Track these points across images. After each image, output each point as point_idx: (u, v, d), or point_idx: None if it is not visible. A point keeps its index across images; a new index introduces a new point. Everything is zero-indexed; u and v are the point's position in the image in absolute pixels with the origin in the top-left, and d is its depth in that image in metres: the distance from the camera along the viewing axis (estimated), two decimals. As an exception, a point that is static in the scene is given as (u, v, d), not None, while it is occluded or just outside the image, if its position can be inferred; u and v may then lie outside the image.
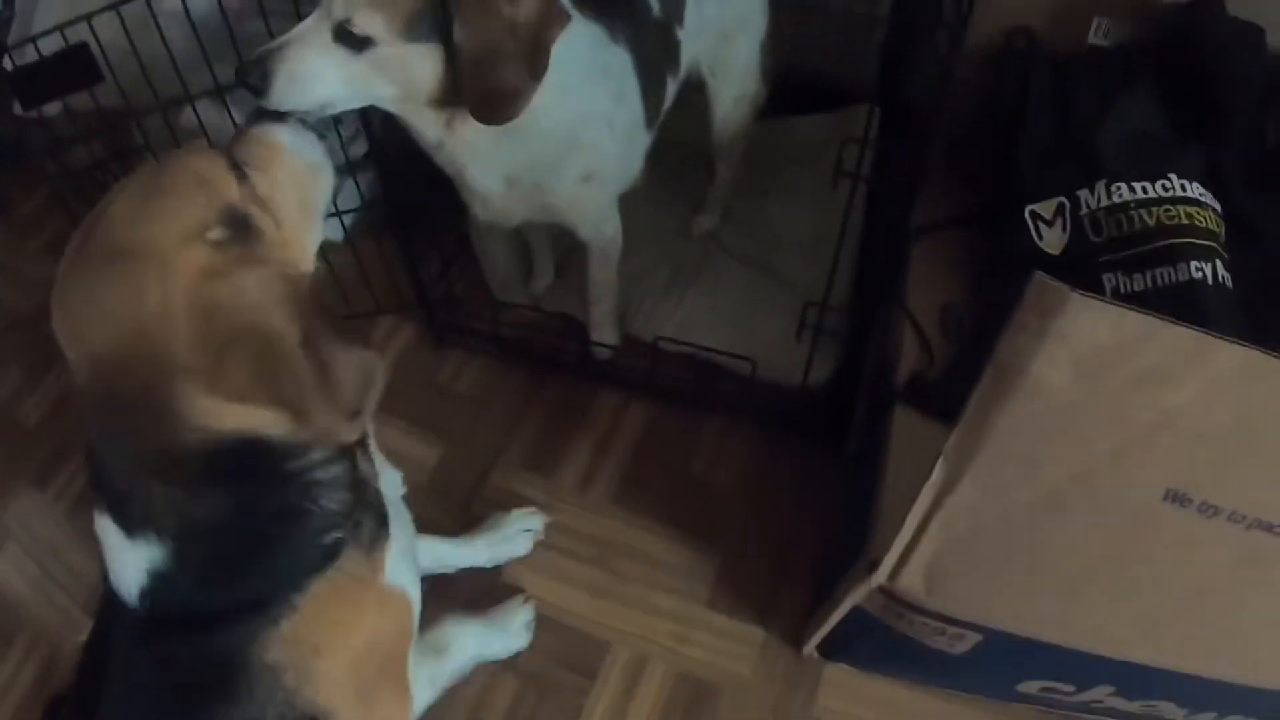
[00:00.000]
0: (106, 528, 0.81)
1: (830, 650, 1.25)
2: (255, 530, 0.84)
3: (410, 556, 1.04)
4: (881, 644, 1.10)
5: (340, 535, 0.88)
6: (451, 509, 1.50)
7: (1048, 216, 1.16)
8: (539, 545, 1.44)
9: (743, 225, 1.75)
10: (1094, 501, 0.77)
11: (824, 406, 1.47)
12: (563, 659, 1.34)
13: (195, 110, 1.57)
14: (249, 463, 0.78)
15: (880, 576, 0.93)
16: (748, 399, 1.54)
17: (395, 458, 1.13)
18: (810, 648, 1.26)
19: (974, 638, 0.99)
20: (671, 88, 1.43)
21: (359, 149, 1.73)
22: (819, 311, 1.32)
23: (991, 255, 1.25)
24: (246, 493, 0.81)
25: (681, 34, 1.39)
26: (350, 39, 1.00)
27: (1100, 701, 1.09)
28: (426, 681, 1.20)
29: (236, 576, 0.85)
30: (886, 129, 1.55)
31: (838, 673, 1.29)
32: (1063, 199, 1.16)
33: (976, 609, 0.94)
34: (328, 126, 1.66)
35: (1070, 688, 1.07)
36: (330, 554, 0.87)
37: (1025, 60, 1.27)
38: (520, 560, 1.43)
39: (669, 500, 1.51)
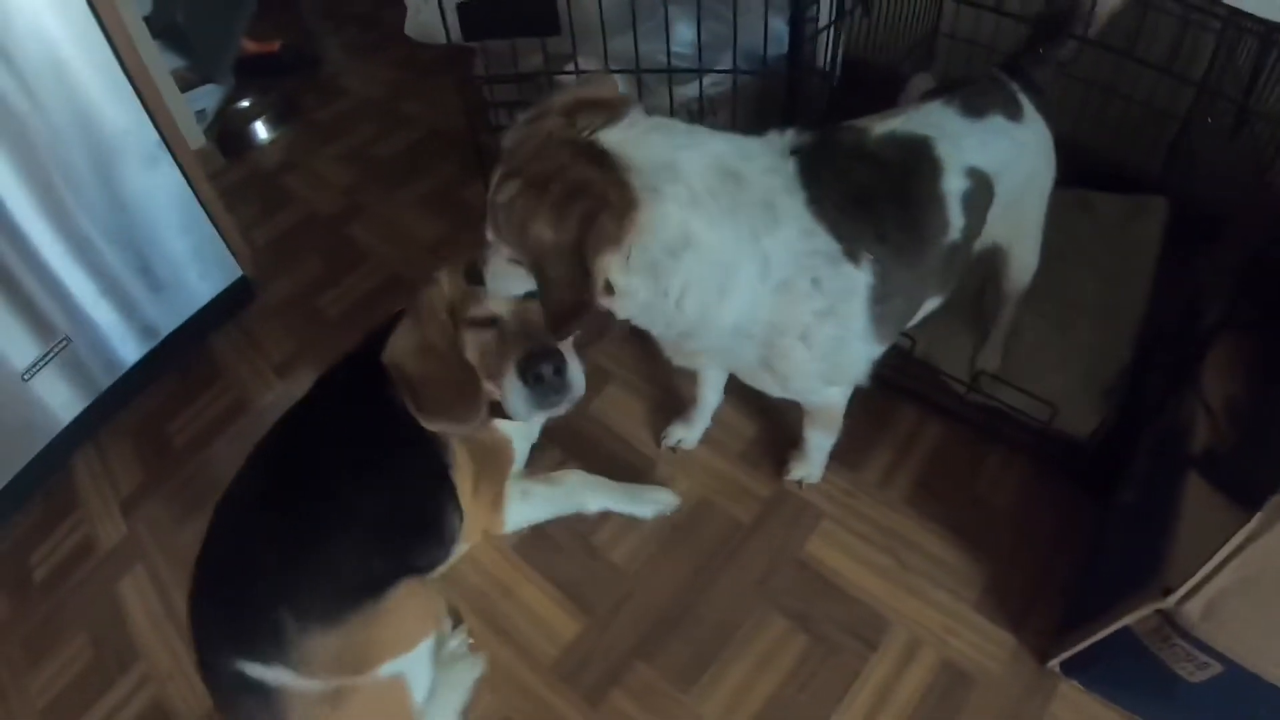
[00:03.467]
0: None
1: (1071, 667, 1.52)
2: None
3: (525, 434, 1.80)
4: (1125, 666, 1.35)
5: None
6: (761, 478, 1.90)
7: (1329, 338, 1.34)
8: (836, 522, 1.80)
9: (1042, 285, 1.88)
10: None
11: (1096, 457, 1.73)
12: (848, 626, 1.65)
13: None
14: None
15: (1172, 600, 1.19)
16: (1032, 438, 1.79)
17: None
18: (1055, 661, 1.52)
19: (1216, 668, 1.22)
20: (934, 304, 1.57)
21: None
22: (1129, 378, 1.57)
23: (1273, 361, 1.44)
24: None
25: (976, 244, 1.54)
26: None
27: (1290, 761, 1.27)
28: (519, 493, 1.79)
29: None
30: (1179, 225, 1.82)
31: (1069, 689, 1.55)
32: (1346, 325, 1.34)
33: (1233, 642, 1.17)
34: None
35: (1273, 738, 1.29)
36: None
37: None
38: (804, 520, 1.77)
39: (953, 510, 1.80)
